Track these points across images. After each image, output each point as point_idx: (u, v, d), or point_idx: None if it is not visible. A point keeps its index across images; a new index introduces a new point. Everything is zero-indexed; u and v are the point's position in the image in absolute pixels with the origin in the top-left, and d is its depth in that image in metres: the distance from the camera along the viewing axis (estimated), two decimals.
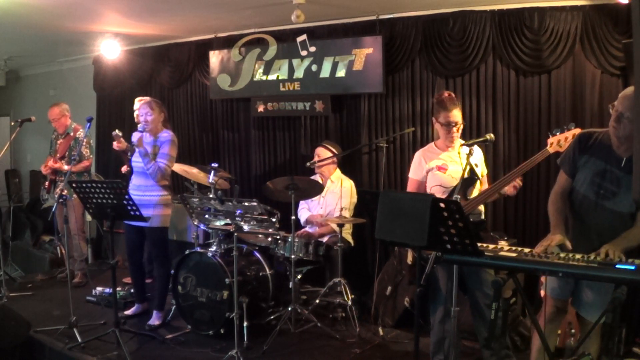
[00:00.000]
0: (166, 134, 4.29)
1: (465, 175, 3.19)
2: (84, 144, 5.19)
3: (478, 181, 3.32)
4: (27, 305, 4.78)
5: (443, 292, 3.08)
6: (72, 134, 5.34)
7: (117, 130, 4.24)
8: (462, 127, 3.36)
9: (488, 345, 3.18)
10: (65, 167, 5.13)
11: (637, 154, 2.97)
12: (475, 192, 3.30)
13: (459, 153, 3.34)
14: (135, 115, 4.86)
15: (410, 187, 3.40)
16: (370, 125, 5.02)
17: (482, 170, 3.40)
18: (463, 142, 3.30)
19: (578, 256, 2.42)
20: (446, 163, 3.32)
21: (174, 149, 4.30)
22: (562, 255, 2.44)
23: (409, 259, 3.42)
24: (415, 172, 3.40)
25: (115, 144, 4.27)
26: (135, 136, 4.18)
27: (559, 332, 3.56)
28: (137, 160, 4.30)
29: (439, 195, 3.23)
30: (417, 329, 2.59)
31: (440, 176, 3.29)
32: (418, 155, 3.43)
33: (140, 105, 4.33)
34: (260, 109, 5.51)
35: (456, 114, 3.28)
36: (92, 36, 5.67)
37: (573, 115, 4.14)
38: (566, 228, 2.68)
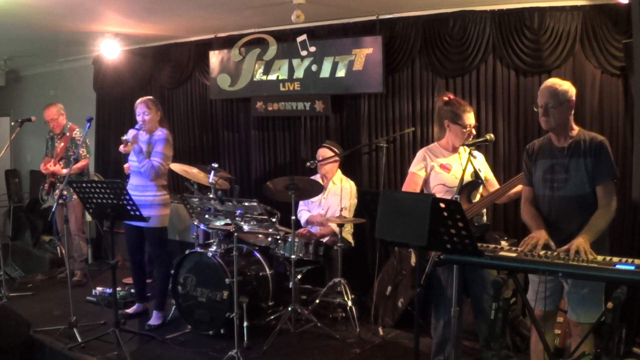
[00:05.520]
0: (160, 132, 4.30)
1: (470, 179, 3.21)
2: (81, 143, 5.18)
3: (481, 185, 3.32)
4: (27, 305, 4.78)
5: (449, 296, 3.07)
6: (67, 134, 5.35)
7: (125, 136, 4.25)
8: None
9: (488, 346, 3.18)
10: (64, 171, 5.13)
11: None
12: (478, 197, 3.30)
13: (459, 154, 3.35)
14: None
15: (410, 181, 3.36)
16: (370, 125, 5.02)
17: (485, 174, 3.39)
18: (463, 142, 3.30)
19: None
20: (450, 163, 3.32)
21: (169, 148, 4.30)
22: (562, 255, 2.45)
23: (413, 261, 3.42)
24: (417, 167, 3.37)
25: (121, 147, 4.28)
26: (130, 133, 4.19)
27: (559, 332, 3.57)
28: (133, 160, 4.30)
29: (441, 194, 3.23)
30: (417, 329, 2.59)
31: (444, 175, 3.28)
32: (422, 152, 3.41)
33: (138, 105, 4.34)
34: (260, 109, 5.51)
35: (473, 115, 3.34)
36: (92, 36, 5.67)
37: (573, 115, 4.12)
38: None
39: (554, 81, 2.80)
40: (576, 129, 2.83)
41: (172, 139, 4.38)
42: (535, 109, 2.81)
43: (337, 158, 4.76)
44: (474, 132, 3.32)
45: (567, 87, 2.76)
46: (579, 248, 2.44)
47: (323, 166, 4.74)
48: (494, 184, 3.44)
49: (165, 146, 4.26)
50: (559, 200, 2.77)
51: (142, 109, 4.28)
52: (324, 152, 4.77)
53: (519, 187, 3.21)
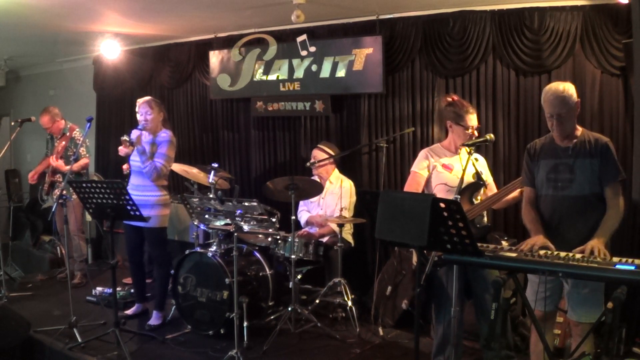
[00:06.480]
0: (165, 134, 4.30)
1: (472, 180, 3.21)
2: (81, 143, 5.18)
3: (483, 187, 3.32)
4: (27, 305, 4.78)
5: (450, 297, 3.08)
6: (68, 134, 5.34)
7: (125, 136, 4.24)
8: None
9: (488, 346, 3.18)
10: (67, 167, 5.13)
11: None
12: (479, 198, 3.30)
13: (459, 155, 3.35)
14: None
15: (412, 180, 3.37)
16: (370, 125, 5.02)
17: (485, 177, 3.39)
18: (463, 142, 3.30)
19: (578, 256, 2.42)
20: (452, 163, 3.32)
21: (172, 150, 4.30)
22: (562, 254, 2.45)
23: (414, 261, 3.42)
24: (419, 166, 3.38)
25: (121, 149, 4.28)
26: (134, 133, 4.19)
27: (559, 332, 3.57)
28: (135, 160, 4.30)
29: (442, 194, 3.23)
30: (417, 329, 2.59)
31: (445, 175, 3.29)
32: (424, 151, 3.43)
33: (140, 105, 4.34)
34: (260, 109, 5.51)
35: (476, 116, 3.35)
36: (92, 36, 5.67)
37: None
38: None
39: (557, 87, 2.77)
40: (579, 129, 2.83)
41: (175, 140, 4.38)
42: (549, 117, 2.79)
43: (331, 160, 4.75)
44: (476, 133, 3.32)
45: (572, 90, 2.76)
46: (594, 249, 2.45)
47: (317, 168, 4.74)
48: (493, 189, 3.45)
49: (169, 148, 4.26)
50: (562, 200, 2.77)
51: (145, 109, 4.28)
52: (316, 154, 4.77)
53: (515, 193, 3.22)
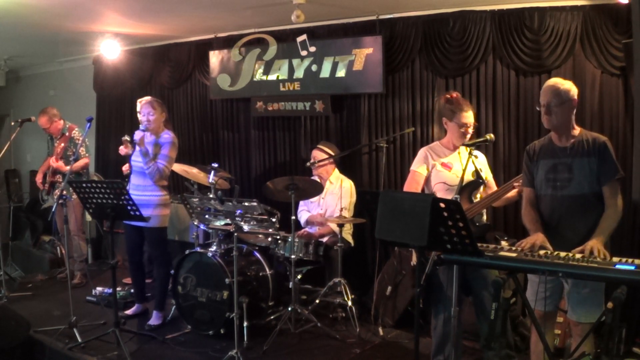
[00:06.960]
0: (167, 135, 4.30)
1: (471, 178, 3.21)
2: (81, 143, 5.18)
3: (483, 185, 3.32)
4: (27, 305, 4.79)
5: (448, 295, 3.08)
6: (67, 133, 5.34)
7: (126, 136, 4.25)
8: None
9: (489, 346, 3.17)
10: (67, 168, 5.13)
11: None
12: (479, 196, 3.30)
13: (459, 153, 3.35)
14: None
15: (412, 179, 3.37)
16: (370, 125, 5.02)
17: (485, 174, 3.40)
18: (463, 142, 3.30)
19: (578, 256, 2.42)
20: (451, 161, 3.32)
21: (174, 151, 4.31)
22: (562, 254, 2.45)
23: (413, 261, 3.42)
24: (419, 165, 3.38)
25: (121, 148, 4.28)
26: (137, 134, 4.20)
27: (559, 332, 3.57)
28: (136, 160, 4.30)
29: (442, 193, 3.24)
30: (417, 329, 2.59)
31: (445, 174, 3.29)
32: (423, 150, 3.43)
33: (142, 105, 4.34)
34: (260, 109, 5.51)
35: (472, 115, 3.33)
36: (92, 36, 5.67)
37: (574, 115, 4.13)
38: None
39: (556, 80, 2.82)
40: (578, 129, 2.84)
41: (177, 142, 4.39)
42: (538, 109, 2.83)
43: (331, 160, 4.75)
44: (470, 131, 3.31)
45: (569, 86, 2.78)
46: (593, 249, 2.45)
47: (317, 168, 4.74)
48: (492, 186, 3.45)
49: (171, 149, 4.27)
50: (561, 200, 2.78)
51: (147, 109, 4.28)
52: (316, 154, 4.77)
53: (513, 192, 3.22)
